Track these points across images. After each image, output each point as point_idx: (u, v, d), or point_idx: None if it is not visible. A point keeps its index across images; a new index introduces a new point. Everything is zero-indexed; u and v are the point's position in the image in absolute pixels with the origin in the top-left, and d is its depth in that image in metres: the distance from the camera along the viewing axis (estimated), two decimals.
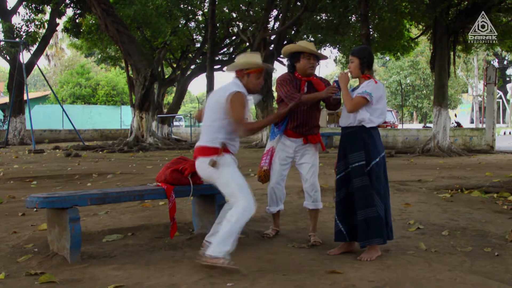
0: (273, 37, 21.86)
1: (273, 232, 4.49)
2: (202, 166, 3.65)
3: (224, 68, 3.89)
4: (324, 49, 23.75)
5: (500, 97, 43.62)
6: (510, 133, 34.71)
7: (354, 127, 3.77)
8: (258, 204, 5.79)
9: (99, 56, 27.38)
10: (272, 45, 21.81)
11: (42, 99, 40.86)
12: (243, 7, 22.22)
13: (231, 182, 3.54)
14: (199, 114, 3.98)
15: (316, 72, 4.47)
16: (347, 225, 3.80)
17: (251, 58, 3.79)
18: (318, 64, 4.38)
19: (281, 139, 4.33)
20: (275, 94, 20.22)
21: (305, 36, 19.44)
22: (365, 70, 3.83)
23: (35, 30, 21.75)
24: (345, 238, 3.83)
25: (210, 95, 3.81)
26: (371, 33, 17.74)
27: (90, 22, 21.53)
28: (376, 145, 3.75)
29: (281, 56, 24.54)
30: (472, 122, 42.68)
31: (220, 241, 3.37)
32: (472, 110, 44.65)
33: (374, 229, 3.64)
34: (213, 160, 3.55)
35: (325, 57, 4.38)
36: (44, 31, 22.56)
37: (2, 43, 21.96)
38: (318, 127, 4.37)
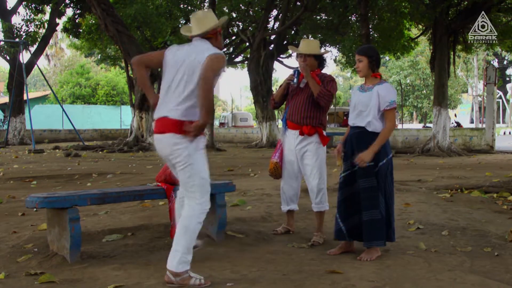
0: (273, 37, 21.87)
1: (282, 230, 4.51)
2: (173, 142, 3.11)
3: (193, 31, 3.27)
4: (324, 49, 23.76)
5: (500, 97, 43.64)
6: (510, 133, 34.72)
7: (363, 127, 3.76)
8: (257, 204, 5.81)
9: (99, 56, 27.37)
10: (272, 45, 21.82)
11: (42, 99, 40.86)
12: (243, 7, 22.22)
13: (199, 173, 3.14)
14: None
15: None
16: (348, 224, 3.80)
17: (213, 15, 3.35)
18: (319, 60, 4.38)
19: (285, 132, 4.41)
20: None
21: (304, 36, 19.44)
22: (375, 68, 3.84)
23: (35, 30, 21.73)
24: (345, 237, 3.82)
25: (177, 54, 3.25)
26: (371, 33, 17.73)
27: (90, 22, 21.52)
28: (385, 146, 3.75)
29: (281, 56, 24.59)
30: (472, 122, 42.69)
31: (183, 251, 3.05)
32: (472, 110, 44.66)
33: (378, 232, 3.65)
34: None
35: (310, 55, 4.33)
36: (44, 31, 22.55)
37: (2, 43, 21.95)
38: (316, 120, 4.29)
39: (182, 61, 3.20)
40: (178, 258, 3.05)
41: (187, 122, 3.11)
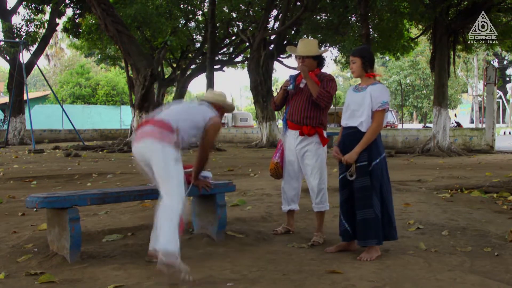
0: (273, 37, 21.87)
1: (282, 230, 4.51)
2: (157, 149, 3.44)
3: (205, 97, 4.10)
4: (324, 48, 23.74)
5: (500, 97, 43.62)
6: (510, 133, 34.72)
7: (356, 127, 3.77)
8: (257, 204, 5.81)
9: (99, 56, 27.38)
10: (272, 45, 21.82)
11: (42, 99, 40.86)
12: (243, 7, 22.21)
13: (176, 178, 3.41)
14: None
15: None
16: (352, 224, 3.82)
17: (225, 95, 4.08)
18: (318, 60, 4.36)
19: (286, 133, 4.41)
20: (274, 94, 20.22)
21: (305, 36, 19.45)
22: (368, 69, 3.84)
23: (35, 30, 21.73)
24: (351, 237, 3.84)
25: (186, 103, 4.12)
26: (371, 33, 17.73)
27: (90, 22, 21.52)
28: (377, 145, 3.76)
29: (281, 56, 24.59)
30: (472, 122, 42.68)
31: (170, 239, 3.17)
32: (472, 110, 44.65)
33: (371, 230, 3.66)
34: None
35: (308, 56, 4.31)
36: (44, 31, 22.55)
37: (2, 43, 21.95)
38: (316, 120, 4.28)
39: (186, 103, 4.10)
40: (165, 243, 3.14)
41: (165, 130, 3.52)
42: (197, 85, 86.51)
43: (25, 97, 21.16)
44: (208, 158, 3.90)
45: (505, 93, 47.52)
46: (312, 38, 17.99)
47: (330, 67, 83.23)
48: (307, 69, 4.27)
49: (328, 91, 4.20)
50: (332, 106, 26.95)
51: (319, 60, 4.38)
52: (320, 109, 4.29)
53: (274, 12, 23.06)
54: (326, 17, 20.29)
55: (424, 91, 49.01)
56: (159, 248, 3.12)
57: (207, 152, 3.87)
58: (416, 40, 20.93)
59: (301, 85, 4.34)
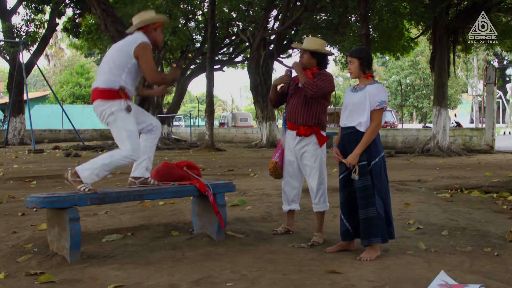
0: (273, 37, 21.87)
1: (282, 230, 4.50)
2: (101, 110, 3.75)
3: (128, 30, 4.01)
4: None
5: (500, 97, 43.61)
6: (510, 133, 34.72)
7: (354, 128, 3.78)
8: (257, 204, 5.81)
9: (99, 56, 27.39)
10: (272, 45, 21.82)
11: (42, 99, 40.89)
12: (243, 7, 22.21)
13: (123, 131, 3.74)
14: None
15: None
16: (353, 223, 3.82)
17: (153, 13, 3.99)
18: (318, 58, 4.31)
19: (285, 133, 4.40)
20: None
21: (304, 36, 19.44)
22: (366, 70, 3.85)
23: (35, 30, 21.73)
24: (352, 236, 3.85)
25: (112, 48, 3.95)
26: (371, 33, 17.73)
27: (90, 22, 21.52)
28: (376, 145, 3.78)
29: (281, 56, 24.60)
30: (471, 122, 42.67)
31: (94, 167, 3.68)
32: (472, 110, 44.66)
33: (374, 229, 3.66)
34: (128, 105, 3.75)
35: (307, 51, 4.29)
36: (43, 31, 22.55)
37: (2, 43, 21.94)
38: (313, 120, 4.24)
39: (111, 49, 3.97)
40: (90, 171, 3.67)
41: (108, 89, 3.70)
42: (197, 85, 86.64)
43: (25, 97, 21.17)
44: (159, 80, 3.95)
45: (505, 93, 47.51)
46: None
47: (329, 67, 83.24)
48: (302, 65, 4.27)
49: (315, 82, 4.14)
50: (331, 106, 26.97)
51: (319, 59, 4.31)
52: (318, 108, 4.25)
53: (274, 12, 23.06)
54: (326, 17, 20.29)
55: (424, 91, 49.01)
56: (77, 168, 3.69)
57: (153, 80, 3.83)
58: (416, 40, 20.92)
59: (299, 85, 4.32)
